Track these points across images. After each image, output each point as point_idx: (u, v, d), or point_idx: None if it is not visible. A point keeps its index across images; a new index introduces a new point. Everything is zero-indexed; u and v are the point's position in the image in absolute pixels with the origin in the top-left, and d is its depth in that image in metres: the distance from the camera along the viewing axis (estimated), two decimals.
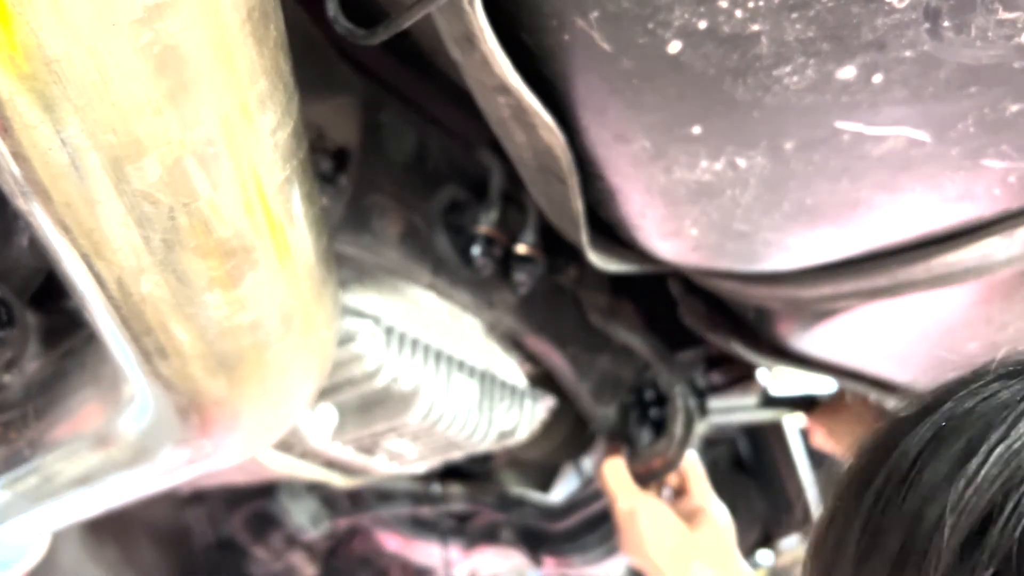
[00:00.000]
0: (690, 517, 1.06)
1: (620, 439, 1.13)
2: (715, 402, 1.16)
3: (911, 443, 0.42)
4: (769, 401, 1.24)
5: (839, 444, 1.20)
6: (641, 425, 1.13)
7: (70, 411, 0.75)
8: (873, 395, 0.96)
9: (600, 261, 0.78)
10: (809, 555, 0.46)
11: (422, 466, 1.12)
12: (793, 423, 1.34)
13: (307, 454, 1.02)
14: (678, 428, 1.09)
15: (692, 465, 1.11)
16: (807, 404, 1.26)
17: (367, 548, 1.66)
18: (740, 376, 1.19)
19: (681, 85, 0.51)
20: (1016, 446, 0.37)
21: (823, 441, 1.22)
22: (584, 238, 0.74)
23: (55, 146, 0.41)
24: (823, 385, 1.24)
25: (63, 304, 0.77)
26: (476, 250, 0.91)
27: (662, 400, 1.13)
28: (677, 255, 0.73)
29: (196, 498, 1.68)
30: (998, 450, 0.38)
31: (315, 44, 0.79)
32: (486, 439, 1.01)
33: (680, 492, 1.11)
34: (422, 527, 1.50)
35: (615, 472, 1.08)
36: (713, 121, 0.54)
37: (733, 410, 1.21)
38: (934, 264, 0.63)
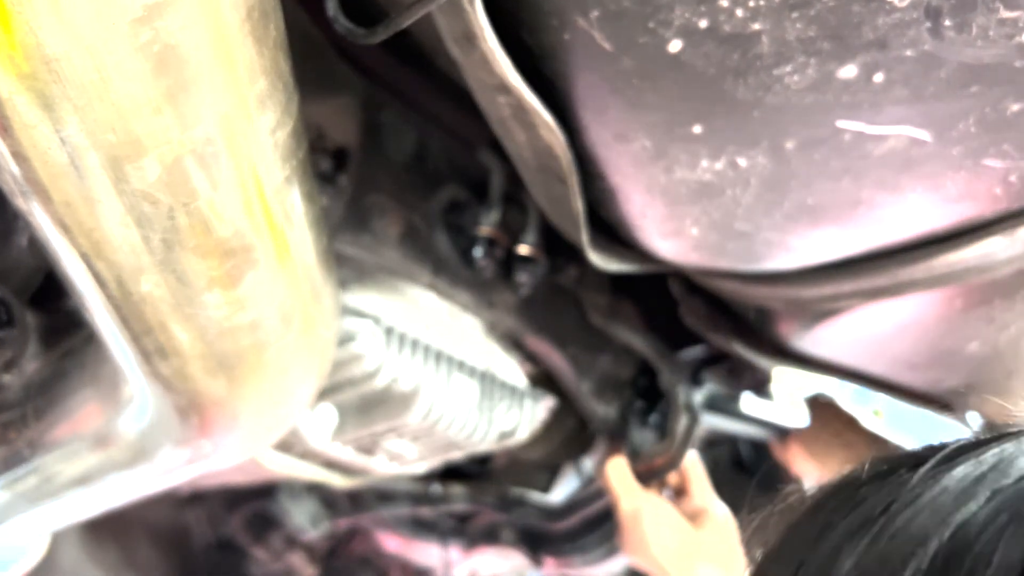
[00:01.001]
0: (693, 518, 1.05)
1: (621, 439, 1.13)
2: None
3: (789, 558, 0.41)
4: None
5: (820, 464, 1.18)
6: (642, 424, 1.13)
7: (70, 411, 0.75)
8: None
9: (600, 261, 0.78)
10: None
11: (422, 466, 1.12)
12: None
13: (307, 454, 1.02)
14: (679, 427, 1.08)
15: (693, 465, 1.11)
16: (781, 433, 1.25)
17: (367, 549, 1.66)
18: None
19: (682, 84, 0.51)
20: (868, 568, 0.36)
21: (803, 461, 1.20)
22: (584, 238, 0.74)
23: (54, 145, 0.41)
24: (795, 419, 1.23)
25: (63, 304, 0.77)
26: (478, 251, 0.91)
27: (663, 399, 1.12)
28: (678, 255, 0.73)
29: (196, 498, 1.68)
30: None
31: (315, 44, 0.79)
32: (486, 439, 1.01)
33: (680, 492, 1.11)
34: (422, 527, 1.50)
35: (618, 472, 1.07)
36: (714, 120, 0.54)
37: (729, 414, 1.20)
38: (935, 264, 0.63)
